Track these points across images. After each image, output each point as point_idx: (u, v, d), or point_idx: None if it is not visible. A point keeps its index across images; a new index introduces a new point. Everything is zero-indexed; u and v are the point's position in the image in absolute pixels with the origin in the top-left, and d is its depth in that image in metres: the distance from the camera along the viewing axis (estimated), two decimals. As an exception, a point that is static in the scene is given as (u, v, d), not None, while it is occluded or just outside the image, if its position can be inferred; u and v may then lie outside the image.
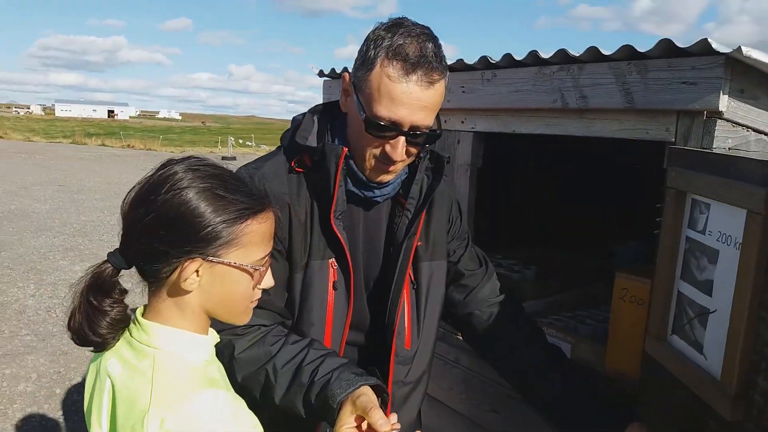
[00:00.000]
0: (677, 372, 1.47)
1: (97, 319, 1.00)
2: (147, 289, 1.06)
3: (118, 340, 1.05)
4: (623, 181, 3.03)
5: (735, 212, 1.30)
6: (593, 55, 1.76)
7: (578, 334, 2.23)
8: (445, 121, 2.32)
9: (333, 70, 2.78)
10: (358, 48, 1.38)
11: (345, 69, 1.50)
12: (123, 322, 1.04)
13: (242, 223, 1.02)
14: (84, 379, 3.92)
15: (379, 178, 1.42)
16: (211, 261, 1.00)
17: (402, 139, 1.33)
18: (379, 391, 1.31)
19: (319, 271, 1.44)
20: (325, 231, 1.43)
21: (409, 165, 1.50)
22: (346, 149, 1.38)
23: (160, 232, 0.97)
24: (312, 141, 1.46)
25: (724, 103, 1.51)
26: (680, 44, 1.55)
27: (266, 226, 1.06)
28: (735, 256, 1.30)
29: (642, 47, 1.65)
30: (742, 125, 1.61)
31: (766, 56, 1.44)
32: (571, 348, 2.12)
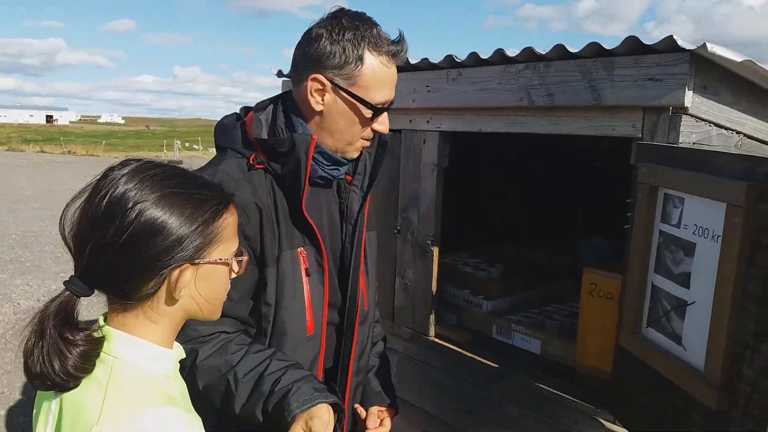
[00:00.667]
0: (655, 364, 1.49)
1: (68, 354, 0.90)
2: (110, 304, 0.98)
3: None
4: (588, 179, 3.07)
5: (712, 205, 1.32)
6: (560, 52, 1.77)
7: (546, 330, 2.25)
8: (410, 121, 2.30)
9: (291, 70, 2.72)
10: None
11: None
12: (95, 355, 0.93)
13: (219, 219, 0.99)
14: (30, 399, 3.75)
15: (354, 155, 1.52)
16: (198, 264, 0.97)
17: (386, 113, 1.49)
18: (337, 410, 1.32)
19: (291, 261, 1.45)
20: (296, 221, 1.45)
21: None
22: (315, 137, 1.43)
23: (138, 251, 0.91)
24: (260, 135, 1.48)
25: (689, 98, 1.54)
26: (646, 41, 1.56)
27: (236, 217, 1.05)
28: (713, 248, 1.32)
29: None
30: (705, 120, 1.65)
31: (730, 53, 1.47)
32: (541, 344, 2.13)
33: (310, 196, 1.46)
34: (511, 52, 1.89)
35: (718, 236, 1.31)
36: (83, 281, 0.93)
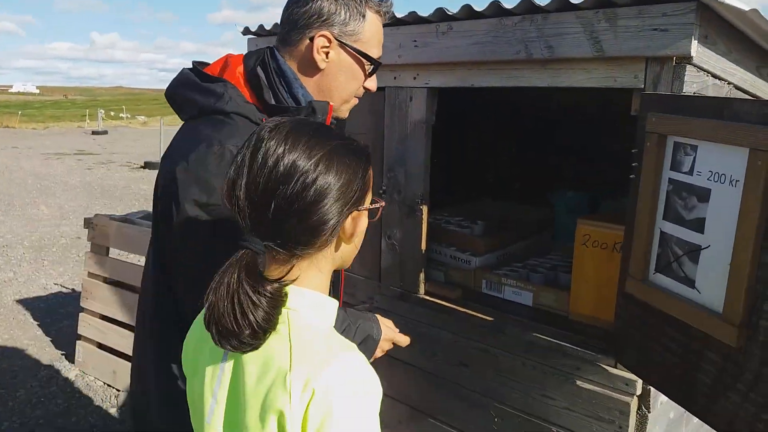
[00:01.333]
0: (666, 308, 1.54)
1: (260, 308, 0.93)
2: (275, 259, 1.01)
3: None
4: (578, 133, 3.11)
5: (731, 151, 1.35)
6: (559, 4, 1.76)
7: (531, 281, 2.29)
8: (395, 78, 2.25)
9: (261, 26, 2.61)
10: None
11: (302, 27, 1.47)
12: (281, 308, 0.96)
13: (369, 167, 1.07)
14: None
15: (346, 114, 1.59)
16: (361, 210, 1.04)
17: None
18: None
19: None
20: None
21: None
22: (332, 104, 1.48)
23: (317, 210, 0.96)
24: (270, 100, 1.45)
25: (695, 48, 1.56)
26: (649, -9, 1.58)
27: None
28: (731, 192, 1.36)
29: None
30: (705, 70, 1.68)
31: (737, 2, 1.49)
32: (533, 296, 2.17)
33: None
34: (507, 4, 1.87)
35: (737, 181, 1.35)
36: (262, 239, 0.97)
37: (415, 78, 2.20)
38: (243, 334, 0.92)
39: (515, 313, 2.12)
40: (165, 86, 1.50)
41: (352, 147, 1.03)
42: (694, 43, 1.56)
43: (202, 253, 1.24)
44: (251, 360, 0.96)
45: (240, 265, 0.94)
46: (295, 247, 0.98)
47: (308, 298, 1.01)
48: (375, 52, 1.51)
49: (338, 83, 1.49)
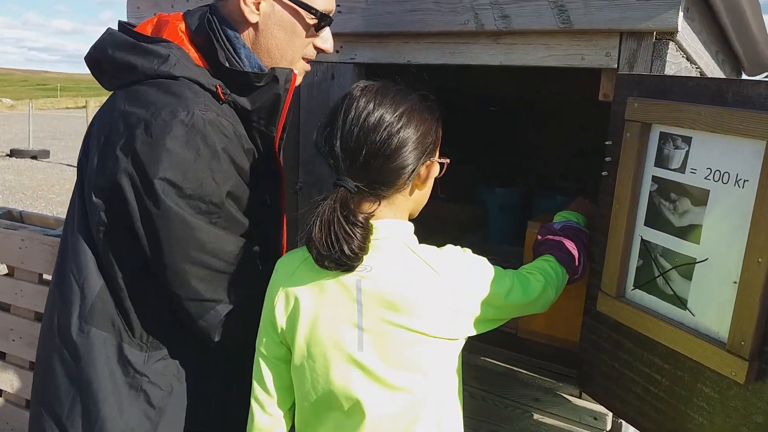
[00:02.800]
0: (649, 331, 1.29)
1: (355, 236, 1.07)
2: (362, 199, 1.15)
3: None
4: (502, 126, 2.86)
5: (738, 145, 1.10)
6: (516, -35, 1.46)
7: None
8: (313, 53, 1.89)
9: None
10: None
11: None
12: (369, 236, 1.11)
13: (440, 124, 1.22)
14: None
15: (298, 81, 1.38)
16: (434, 161, 1.20)
17: (329, 28, 1.39)
18: None
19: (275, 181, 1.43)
20: (263, 167, 1.33)
21: None
22: (296, 72, 1.32)
23: (400, 155, 1.11)
24: (225, 62, 1.29)
25: (681, 22, 1.31)
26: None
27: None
28: (737, 194, 1.11)
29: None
30: (683, 50, 1.45)
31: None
32: (478, 310, 1.88)
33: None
34: (453, -37, 1.56)
35: (745, 180, 1.10)
36: (355, 180, 1.11)
37: (338, 51, 1.84)
38: (344, 256, 1.07)
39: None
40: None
41: (428, 105, 1.18)
42: (680, 16, 1.31)
43: (207, 249, 1.19)
44: (396, 285, 1.12)
45: (336, 200, 1.08)
46: (380, 188, 1.12)
47: (402, 227, 1.17)
48: (320, 3, 1.32)
49: (277, 41, 1.32)
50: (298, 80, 1.35)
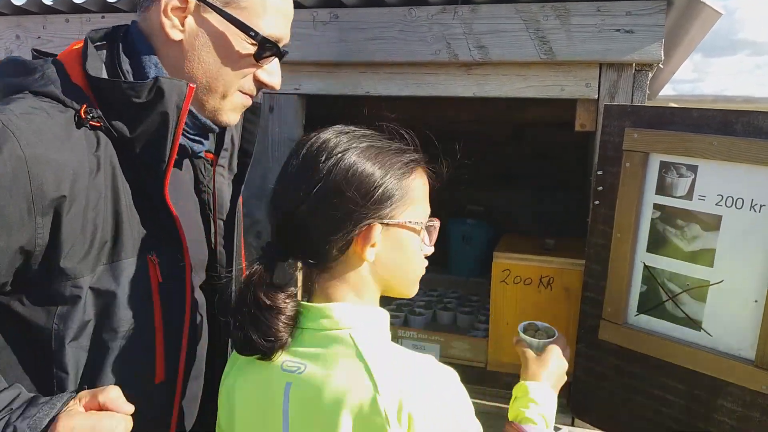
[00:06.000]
0: (661, 354, 1.32)
1: (273, 318, 0.89)
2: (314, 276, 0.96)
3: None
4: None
5: (752, 172, 1.18)
6: (491, -6, 1.44)
7: (413, 326, 1.95)
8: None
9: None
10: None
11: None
12: (295, 318, 0.92)
13: (410, 176, 0.94)
14: None
15: (232, 119, 1.12)
16: (388, 224, 0.92)
17: (277, 61, 1.12)
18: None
19: (134, 274, 1.00)
20: (148, 212, 1.02)
21: None
22: (192, 86, 1.01)
23: (331, 205, 0.89)
24: (92, 71, 1.01)
25: (661, 54, 1.38)
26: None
27: (426, 179, 0.99)
28: (752, 219, 1.19)
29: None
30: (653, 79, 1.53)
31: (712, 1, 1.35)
32: (440, 347, 1.82)
33: (172, 177, 1.03)
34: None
35: (762, 205, 1.18)
36: (283, 246, 0.94)
37: (279, 82, 1.67)
38: (251, 342, 0.90)
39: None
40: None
41: (386, 148, 0.94)
42: (661, 48, 1.38)
43: None
44: (317, 393, 0.87)
45: (253, 272, 0.92)
46: (308, 258, 0.93)
47: (364, 313, 0.93)
48: (264, 25, 1.05)
49: (205, 67, 1.05)
50: (230, 118, 1.10)
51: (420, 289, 2.35)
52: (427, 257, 0.99)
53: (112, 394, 0.87)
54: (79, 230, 0.93)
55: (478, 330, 1.90)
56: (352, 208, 0.88)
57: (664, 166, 1.30)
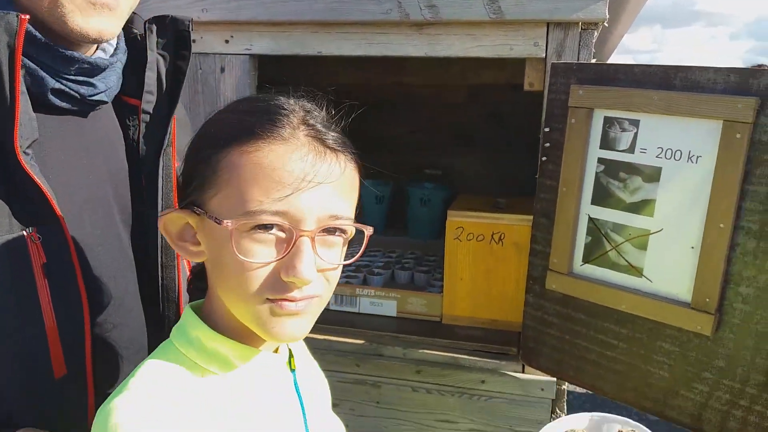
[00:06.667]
0: (604, 301, 1.39)
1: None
2: None
3: None
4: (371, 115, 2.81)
5: (690, 125, 1.24)
6: (442, -46, 1.46)
7: (372, 285, 1.99)
8: (195, 41, 1.68)
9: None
10: None
11: None
12: None
13: (234, 150, 0.69)
14: None
15: (96, 28, 0.87)
16: (196, 212, 0.72)
17: None
18: None
19: (8, 254, 0.83)
20: (11, 179, 0.84)
21: (128, 43, 1.02)
22: (25, 16, 0.79)
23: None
24: None
25: (606, 12, 1.43)
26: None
27: (268, 158, 0.68)
28: (690, 170, 1.25)
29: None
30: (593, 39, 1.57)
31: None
32: (398, 303, 1.86)
33: (49, 132, 0.88)
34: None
35: (698, 156, 1.24)
36: None
37: (228, 41, 1.66)
38: None
39: (384, 328, 1.79)
40: None
41: (238, 116, 0.73)
42: (606, 6, 1.42)
43: None
44: None
45: None
46: None
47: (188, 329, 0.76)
48: None
49: None
50: (84, 23, 0.85)
51: (379, 251, 2.41)
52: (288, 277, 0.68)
53: None
54: None
55: (434, 287, 1.95)
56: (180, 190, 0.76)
57: (608, 122, 1.36)
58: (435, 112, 2.70)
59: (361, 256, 0.81)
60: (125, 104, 1.03)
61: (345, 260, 0.77)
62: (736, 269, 1.22)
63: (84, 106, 0.94)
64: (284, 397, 0.81)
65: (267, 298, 0.69)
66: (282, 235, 0.68)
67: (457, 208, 1.79)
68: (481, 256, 1.75)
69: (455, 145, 2.70)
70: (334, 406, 1.01)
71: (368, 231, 0.78)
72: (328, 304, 1.87)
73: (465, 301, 1.79)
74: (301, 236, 0.67)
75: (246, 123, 0.69)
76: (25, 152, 0.83)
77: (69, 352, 0.89)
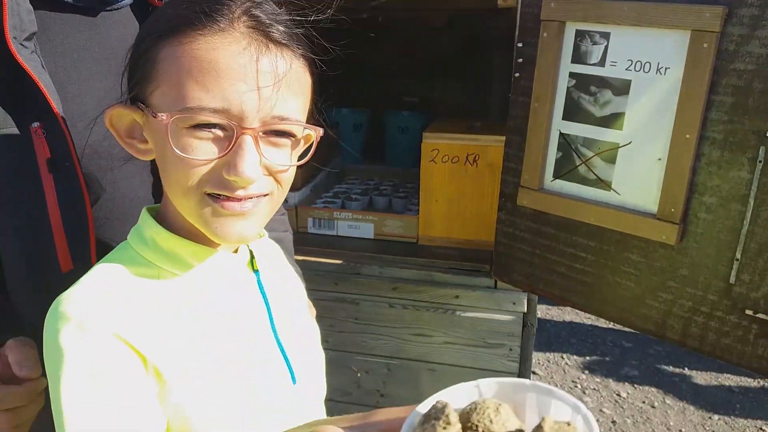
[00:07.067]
0: (573, 215, 1.42)
1: None
2: None
3: None
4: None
5: (658, 36, 1.24)
6: None
7: (349, 209, 2.01)
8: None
9: None
10: None
11: None
12: None
13: (162, 42, 0.66)
14: None
15: None
16: (140, 107, 0.70)
17: None
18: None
19: (14, 148, 0.83)
20: (6, 72, 0.82)
21: None
22: None
23: None
24: None
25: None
26: None
27: (205, 50, 0.64)
28: (658, 81, 1.26)
29: None
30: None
31: None
32: (374, 226, 1.89)
33: (59, 30, 0.86)
34: None
35: (666, 68, 1.25)
36: None
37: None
38: None
39: (361, 249, 1.82)
40: None
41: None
42: None
43: None
44: None
45: None
46: None
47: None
48: None
49: None
50: None
51: (357, 179, 2.42)
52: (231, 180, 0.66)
53: (11, 357, 0.79)
54: None
55: (411, 211, 1.98)
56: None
57: (579, 35, 1.35)
58: (413, 38, 2.66)
59: (310, 159, 0.77)
60: (153, 8, 0.96)
61: (296, 162, 0.75)
62: (701, 179, 1.25)
63: (99, 5, 0.90)
64: (246, 298, 0.80)
65: (207, 193, 0.67)
66: (223, 132, 0.66)
67: (433, 130, 1.79)
68: (457, 177, 1.77)
69: (433, 73, 2.68)
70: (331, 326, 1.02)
71: (317, 132, 0.76)
72: (306, 227, 1.90)
73: (440, 222, 1.82)
74: (242, 134, 0.65)
75: (184, 13, 0.65)
76: (22, 44, 0.81)
77: (74, 247, 0.89)
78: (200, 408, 0.70)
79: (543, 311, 3.79)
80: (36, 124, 0.84)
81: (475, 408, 0.36)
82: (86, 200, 0.89)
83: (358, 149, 2.52)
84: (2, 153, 0.83)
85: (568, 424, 0.32)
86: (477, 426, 0.35)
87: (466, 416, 0.36)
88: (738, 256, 1.22)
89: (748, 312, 1.23)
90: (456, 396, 0.38)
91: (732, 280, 1.24)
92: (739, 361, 1.27)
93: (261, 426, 0.77)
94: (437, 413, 0.36)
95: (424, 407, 0.39)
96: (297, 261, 1.13)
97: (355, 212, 1.90)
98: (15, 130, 0.83)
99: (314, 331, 0.98)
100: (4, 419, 0.75)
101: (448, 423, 0.34)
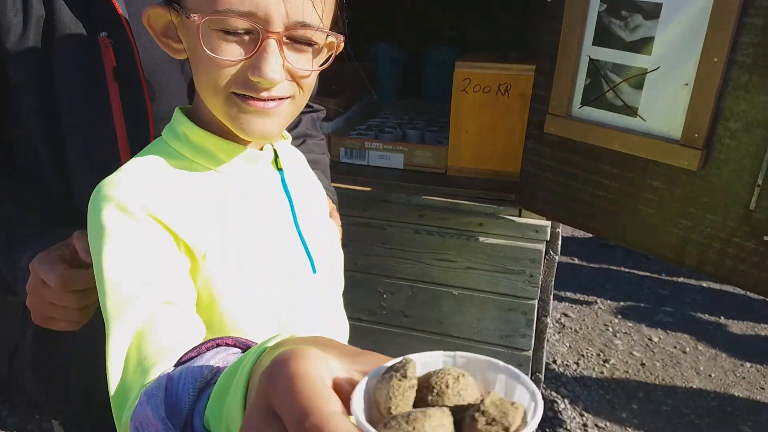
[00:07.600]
0: (599, 141, 1.43)
1: None
2: None
3: None
4: None
5: (693, -45, 1.22)
6: None
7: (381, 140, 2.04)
8: None
9: None
10: None
11: None
12: None
13: None
14: None
15: None
16: (175, 8, 0.73)
17: None
18: None
19: (76, 52, 0.88)
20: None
21: None
22: None
23: None
24: None
25: None
26: None
27: None
28: (688, 5, 1.24)
29: None
30: None
31: None
32: (404, 156, 1.93)
33: None
34: None
35: (699, -11, 1.23)
36: None
37: None
38: None
39: (391, 178, 1.86)
40: None
41: None
42: None
43: None
44: None
45: None
46: None
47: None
48: None
49: None
50: None
51: (391, 113, 2.45)
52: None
53: (79, 245, 0.85)
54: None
55: (441, 143, 2.01)
56: None
57: (613, -43, 1.34)
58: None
59: (331, 65, 0.80)
60: None
61: (317, 67, 0.78)
62: (727, 104, 1.23)
63: None
64: (271, 192, 0.86)
65: (233, 92, 0.72)
66: (250, 36, 0.70)
67: (466, 59, 1.80)
68: (487, 107, 1.78)
69: (474, 9, 2.65)
70: (344, 246, 1.08)
71: (339, 39, 0.78)
72: (338, 156, 1.94)
73: (469, 153, 1.84)
74: (267, 38, 0.69)
75: None
76: None
77: (136, 151, 0.90)
78: (227, 285, 0.77)
79: (580, 256, 3.79)
80: (103, 34, 0.87)
81: (437, 372, 0.39)
82: (149, 108, 0.94)
83: (395, 85, 2.54)
84: (75, 60, 0.88)
85: (512, 404, 0.35)
86: (433, 388, 0.38)
87: (426, 377, 0.39)
88: (760, 181, 1.22)
89: (767, 238, 1.23)
90: (429, 359, 0.41)
91: (752, 206, 1.24)
92: (755, 287, 1.28)
93: (283, 308, 0.83)
94: (399, 367, 0.39)
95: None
96: (338, 192, 1.19)
97: (386, 143, 1.94)
98: (85, 39, 0.88)
99: (335, 234, 1.03)
100: (72, 299, 0.81)
101: (405, 377, 0.37)
